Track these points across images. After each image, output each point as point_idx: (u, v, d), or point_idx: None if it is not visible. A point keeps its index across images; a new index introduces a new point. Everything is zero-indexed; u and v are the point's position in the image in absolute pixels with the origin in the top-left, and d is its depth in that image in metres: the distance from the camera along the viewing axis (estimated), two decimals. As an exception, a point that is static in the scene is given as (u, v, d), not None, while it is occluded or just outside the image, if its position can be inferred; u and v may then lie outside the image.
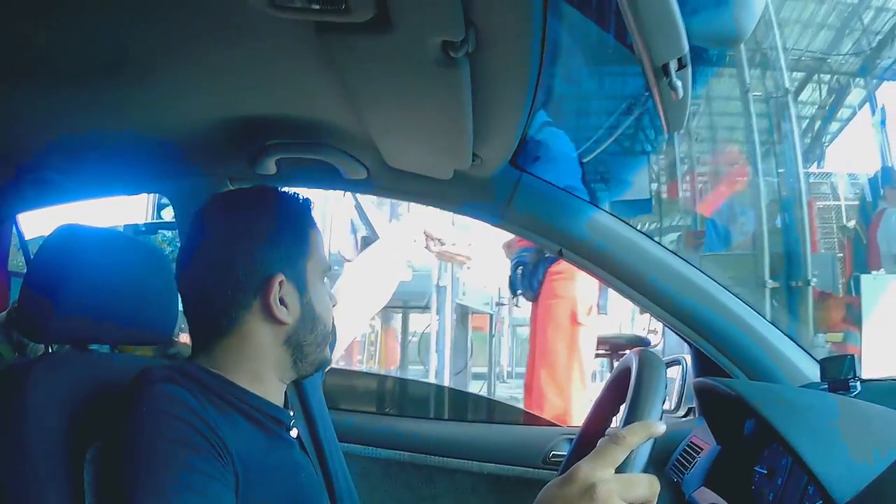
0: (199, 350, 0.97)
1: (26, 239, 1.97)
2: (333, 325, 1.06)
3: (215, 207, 1.01)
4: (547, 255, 2.77)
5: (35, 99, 1.12)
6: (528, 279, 2.83)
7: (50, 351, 0.99)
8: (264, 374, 0.97)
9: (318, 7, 0.72)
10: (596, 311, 2.82)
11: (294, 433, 1.01)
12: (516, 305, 3.71)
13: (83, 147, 1.34)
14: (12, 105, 1.14)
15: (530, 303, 2.97)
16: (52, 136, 1.29)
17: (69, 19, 0.86)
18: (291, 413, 1.02)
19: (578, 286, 2.74)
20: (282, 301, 0.95)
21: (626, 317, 7.48)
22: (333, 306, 1.05)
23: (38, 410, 0.86)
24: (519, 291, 2.91)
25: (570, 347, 2.73)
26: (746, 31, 0.94)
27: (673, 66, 0.72)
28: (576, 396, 2.71)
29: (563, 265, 2.74)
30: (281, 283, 0.95)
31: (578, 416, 2.66)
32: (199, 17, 0.85)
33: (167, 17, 0.85)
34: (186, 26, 0.87)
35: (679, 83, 0.73)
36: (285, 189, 1.03)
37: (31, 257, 1.82)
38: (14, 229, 1.92)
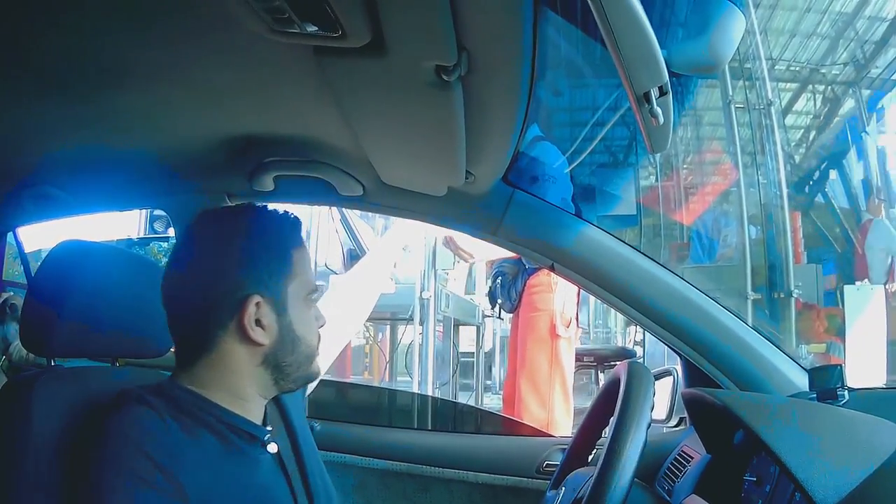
0: (181, 366, 0.97)
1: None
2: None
3: (200, 225, 1.01)
4: (527, 267, 2.78)
5: (36, 114, 1.13)
6: (507, 290, 2.84)
7: (52, 364, 1.01)
8: (244, 392, 0.97)
9: (315, 33, 0.74)
10: (575, 324, 2.83)
11: (273, 448, 1.00)
12: (499, 318, 3.71)
13: (84, 162, 1.36)
14: (13, 119, 1.16)
15: (510, 314, 2.98)
16: (53, 151, 1.30)
17: (71, 35, 0.87)
18: (269, 428, 1.01)
19: (557, 299, 2.74)
20: (258, 322, 0.94)
21: (619, 329, 7.52)
22: (321, 326, 1.04)
23: (41, 422, 0.88)
24: (498, 302, 2.93)
25: (551, 360, 2.73)
26: (724, 59, 0.97)
27: (654, 93, 0.75)
28: (558, 408, 2.73)
29: (541, 277, 2.75)
30: (258, 304, 0.94)
31: (561, 427, 2.68)
32: (201, 37, 0.86)
33: (169, 35, 0.86)
34: (188, 46, 0.89)
35: (660, 110, 0.76)
36: (272, 207, 1.02)
37: (30, 270, 1.84)
38: (14, 241, 1.93)
